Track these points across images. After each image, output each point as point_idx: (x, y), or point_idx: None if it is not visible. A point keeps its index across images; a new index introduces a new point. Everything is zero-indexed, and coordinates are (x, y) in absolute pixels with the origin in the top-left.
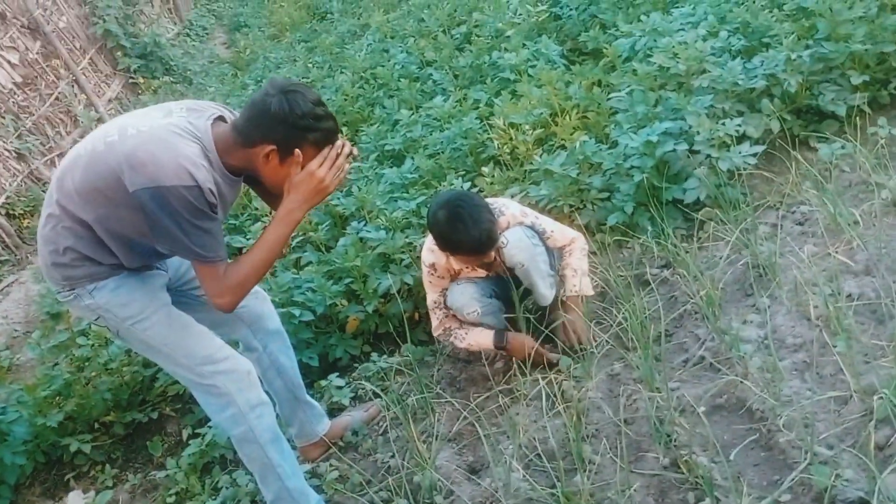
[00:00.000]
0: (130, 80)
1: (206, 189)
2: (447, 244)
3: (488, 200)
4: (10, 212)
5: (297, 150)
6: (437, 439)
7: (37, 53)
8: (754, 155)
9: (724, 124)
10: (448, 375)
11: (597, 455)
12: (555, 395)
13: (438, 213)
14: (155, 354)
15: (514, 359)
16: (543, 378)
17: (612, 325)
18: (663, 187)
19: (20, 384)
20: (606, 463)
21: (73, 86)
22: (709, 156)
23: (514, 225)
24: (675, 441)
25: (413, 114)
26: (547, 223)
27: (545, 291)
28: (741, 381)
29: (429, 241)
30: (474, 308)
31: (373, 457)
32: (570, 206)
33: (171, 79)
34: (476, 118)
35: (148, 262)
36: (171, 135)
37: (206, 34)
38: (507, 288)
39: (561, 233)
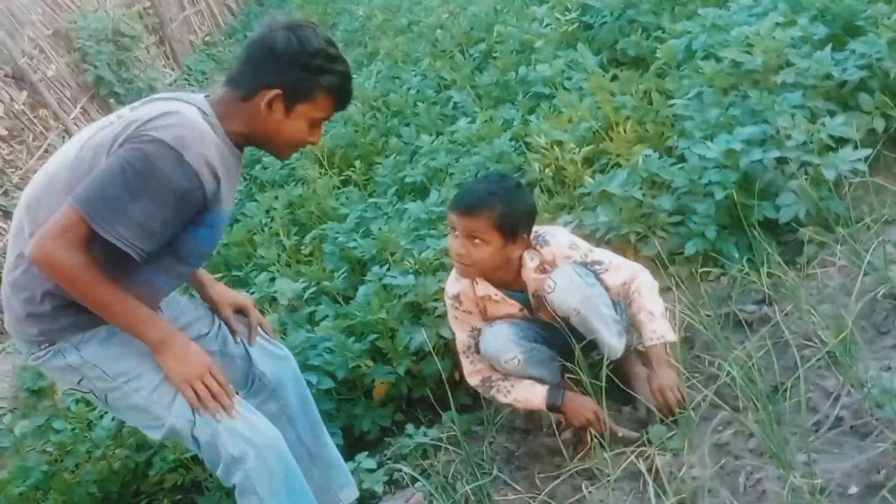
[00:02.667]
0: None
1: (189, 154)
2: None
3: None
4: None
5: (309, 97)
6: None
7: (23, 104)
8: (864, 159)
9: (823, 124)
10: (503, 450)
11: None
12: (649, 474)
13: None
14: (153, 422)
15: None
16: (630, 451)
17: (705, 380)
18: (754, 205)
19: None
20: None
21: (63, 137)
22: (804, 164)
23: (561, 261)
24: None
25: (434, 140)
26: (602, 254)
27: (612, 341)
28: None
29: (454, 271)
30: (513, 354)
31: None
32: (637, 233)
33: None
34: (510, 139)
35: (150, 292)
36: (164, 104)
37: (206, 79)
38: (558, 334)
39: (620, 265)
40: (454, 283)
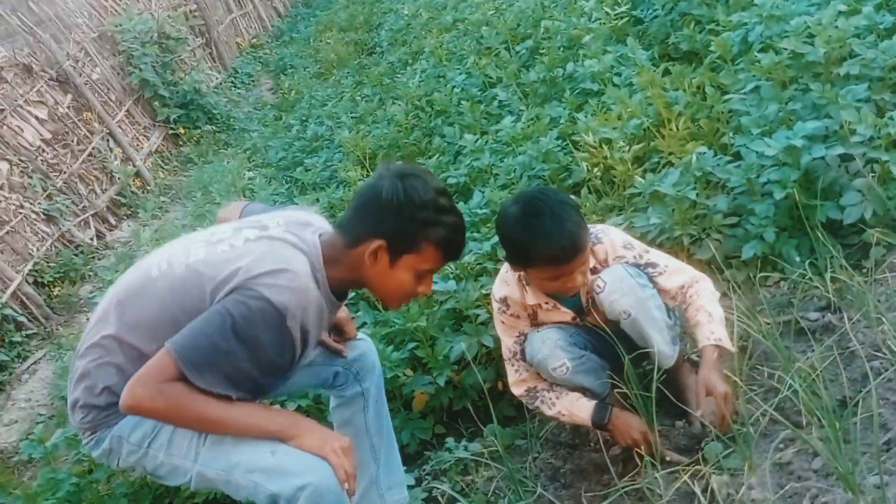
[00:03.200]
0: (171, 132)
1: (291, 322)
2: (518, 250)
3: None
4: (39, 279)
5: (414, 249)
6: None
7: (67, 107)
8: None
9: (891, 118)
10: (548, 466)
11: None
12: (704, 495)
13: (510, 210)
14: (181, 474)
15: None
16: (683, 471)
17: (765, 393)
18: (817, 205)
19: (23, 490)
20: None
21: (107, 140)
22: (870, 161)
23: (613, 261)
24: None
25: (479, 139)
26: (658, 256)
27: (664, 348)
28: None
29: (502, 272)
30: (562, 361)
31: None
32: (690, 236)
33: (214, 128)
34: (557, 137)
35: None
36: (278, 246)
37: (252, 81)
38: (608, 344)
39: (678, 269)
40: (501, 286)
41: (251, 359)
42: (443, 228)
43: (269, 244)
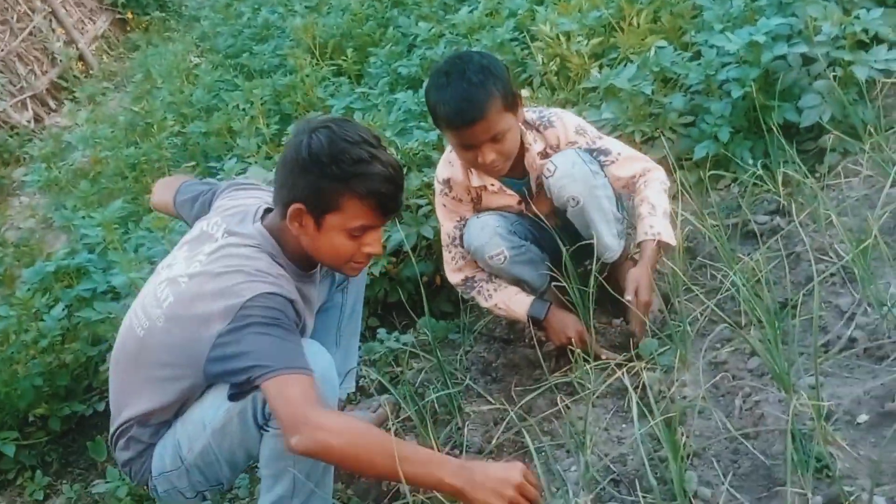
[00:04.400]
0: (118, 16)
1: (290, 299)
2: (429, 111)
3: (537, 109)
4: None
5: (334, 207)
6: (466, 452)
7: None
8: None
9: (857, 17)
10: (480, 360)
11: (706, 488)
12: (636, 392)
13: (433, 69)
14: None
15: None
16: (617, 366)
17: (707, 293)
18: (774, 106)
19: None
20: (721, 499)
21: (49, 20)
22: (833, 63)
23: (566, 146)
24: (827, 469)
25: (433, 28)
26: (612, 143)
27: (610, 240)
28: None
29: (446, 153)
30: (500, 250)
31: None
32: (643, 133)
33: (164, 14)
34: (513, 28)
35: None
36: (224, 260)
37: None
38: (551, 236)
39: (631, 157)
40: (445, 167)
41: (293, 333)
42: (364, 180)
43: (225, 258)
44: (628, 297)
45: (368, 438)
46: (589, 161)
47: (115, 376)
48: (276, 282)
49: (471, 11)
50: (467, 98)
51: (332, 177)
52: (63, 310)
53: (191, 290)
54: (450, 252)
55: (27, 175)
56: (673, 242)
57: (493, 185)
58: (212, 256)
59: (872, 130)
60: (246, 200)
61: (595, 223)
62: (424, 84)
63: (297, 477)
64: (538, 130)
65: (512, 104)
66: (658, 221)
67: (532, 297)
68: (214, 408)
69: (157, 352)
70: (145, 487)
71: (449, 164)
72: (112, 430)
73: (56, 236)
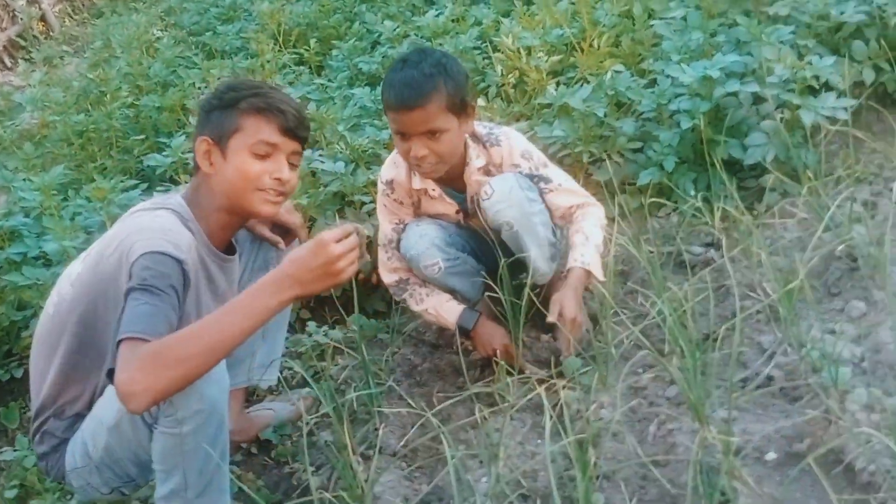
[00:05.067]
0: None
1: (180, 259)
2: (382, 92)
3: (488, 125)
4: None
5: (234, 127)
6: (380, 454)
7: None
8: (846, 109)
9: (810, 63)
10: (406, 362)
11: None
12: (554, 410)
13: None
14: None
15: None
16: (538, 382)
17: (634, 318)
18: (721, 141)
19: None
20: None
21: None
22: (782, 105)
23: (509, 168)
24: (731, 502)
25: (398, 28)
26: (555, 173)
27: (541, 264)
28: (835, 422)
29: (393, 153)
30: (435, 260)
31: (289, 467)
32: (591, 154)
33: None
34: (477, 37)
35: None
36: (130, 220)
37: None
38: (489, 248)
39: (571, 190)
40: (390, 168)
41: (161, 298)
42: (262, 97)
43: (134, 220)
44: (551, 318)
45: (182, 348)
46: (527, 187)
47: (31, 362)
48: (172, 240)
49: (437, 15)
50: (412, 84)
51: (230, 101)
52: None
53: (97, 257)
54: (386, 252)
55: None
56: (600, 277)
57: (433, 190)
58: (121, 222)
59: (812, 175)
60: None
61: (529, 247)
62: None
63: (187, 470)
64: (484, 146)
65: (458, 108)
66: (589, 252)
67: (463, 307)
68: (111, 401)
69: (66, 325)
70: (62, 482)
71: (394, 165)
72: (32, 423)
73: None
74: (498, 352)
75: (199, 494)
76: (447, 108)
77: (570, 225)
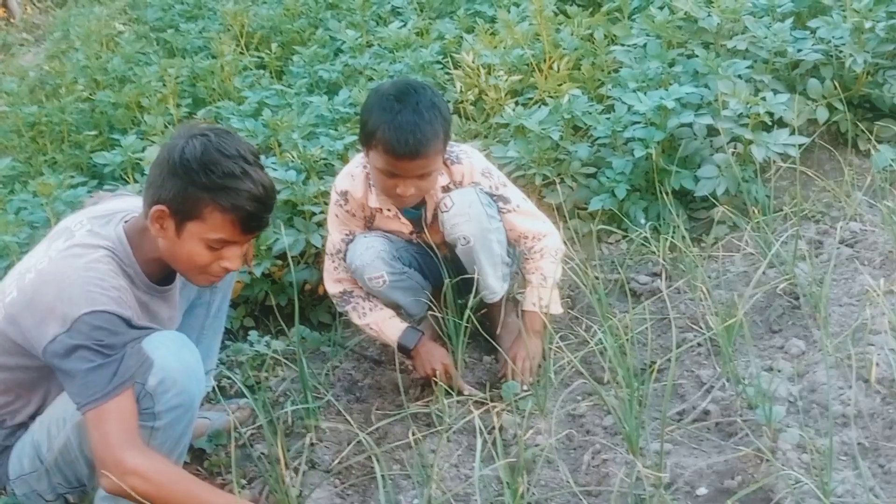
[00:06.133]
0: None
1: (125, 317)
2: (369, 125)
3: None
4: None
5: (196, 215)
6: (313, 469)
7: None
8: (798, 146)
9: (764, 99)
10: (347, 377)
11: None
12: (489, 434)
13: (384, 86)
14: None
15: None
16: (476, 407)
17: (576, 345)
18: (673, 171)
19: None
20: None
21: None
22: (735, 139)
23: (469, 184)
24: None
25: (360, 37)
26: (514, 193)
27: (493, 282)
28: (766, 460)
29: (351, 165)
30: (380, 273)
31: (221, 478)
32: (544, 177)
33: None
34: (438, 52)
35: None
36: (71, 259)
37: None
38: (436, 266)
39: (531, 216)
40: (346, 179)
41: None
42: (230, 194)
43: (71, 258)
44: (510, 353)
45: (178, 487)
46: (487, 203)
47: None
48: (114, 296)
49: (401, 27)
50: (415, 132)
51: (199, 185)
52: None
53: (33, 287)
54: (333, 262)
55: None
56: (558, 312)
57: (389, 210)
58: (62, 254)
59: (760, 210)
60: (118, 204)
61: (482, 264)
62: (372, 92)
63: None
64: (445, 164)
65: (446, 144)
66: (548, 294)
67: (406, 325)
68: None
69: (1, 346)
70: (3, 490)
71: (350, 178)
72: None
73: None
74: (437, 372)
75: None
76: (440, 150)
77: (526, 256)
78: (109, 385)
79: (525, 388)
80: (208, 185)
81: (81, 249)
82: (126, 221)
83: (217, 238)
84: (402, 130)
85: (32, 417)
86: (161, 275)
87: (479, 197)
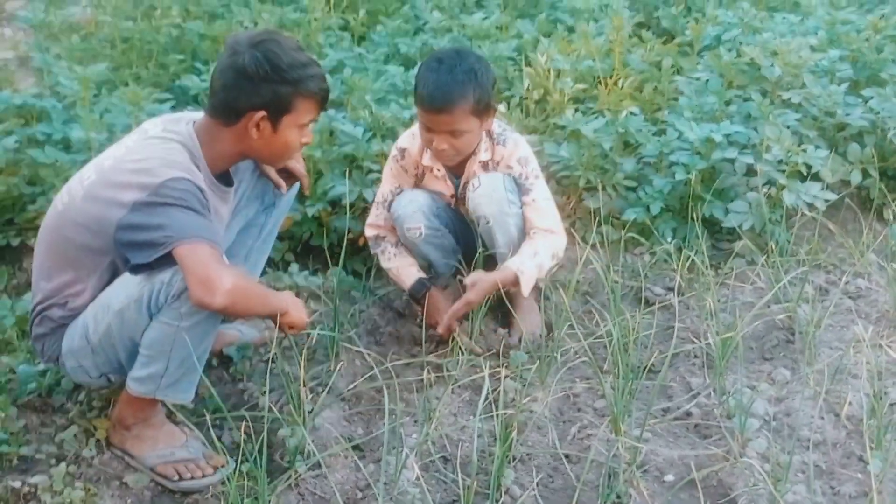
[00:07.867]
0: None
1: (201, 188)
2: (416, 78)
3: (504, 125)
4: None
5: (291, 108)
6: (327, 391)
7: None
8: (826, 201)
9: (804, 150)
10: (371, 322)
11: (519, 488)
12: (491, 393)
13: (439, 49)
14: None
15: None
16: (486, 364)
17: (586, 334)
18: (707, 199)
19: None
20: (528, 501)
21: None
22: (770, 182)
23: (503, 168)
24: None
25: (444, 21)
26: (541, 190)
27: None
28: (731, 462)
29: (415, 126)
30: (418, 224)
31: (242, 385)
32: (588, 180)
33: None
34: (514, 49)
35: None
36: (149, 145)
37: None
38: (471, 235)
39: (546, 214)
40: (408, 138)
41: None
42: (310, 81)
43: (149, 146)
44: (467, 281)
45: (251, 293)
46: (510, 190)
47: (36, 252)
48: (191, 172)
49: (484, 19)
50: (444, 89)
51: (288, 82)
52: (15, 143)
53: (113, 167)
54: (377, 209)
55: (22, 10)
56: (525, 293)
57: (439, 170)
58: (139, 143)
59: (778, 250)
60: (187, 114)
61: (499, 245)
62: (418, 65)
63: (171, 360)
64: (493, 142)
65: (482, 112)
66: (528, 266)
67: (420, 275)
68: (120, 290)
69: (75, 225)
70: (54, 364)
71: (412, 136)
72: (32, 308)
73: (25, 76)
74: (440, 325)
75: (171, 384)
76: (471, 113)
77: (530, 238)
78: (200, 230)
79: (533, 344)
80: (294, 80)
81: (158, 141)
82: (193, 123)
83: (307, 121)
84: (433, 87)
85: (90, 301)
86: (223, 177)
87: (504, 183)
